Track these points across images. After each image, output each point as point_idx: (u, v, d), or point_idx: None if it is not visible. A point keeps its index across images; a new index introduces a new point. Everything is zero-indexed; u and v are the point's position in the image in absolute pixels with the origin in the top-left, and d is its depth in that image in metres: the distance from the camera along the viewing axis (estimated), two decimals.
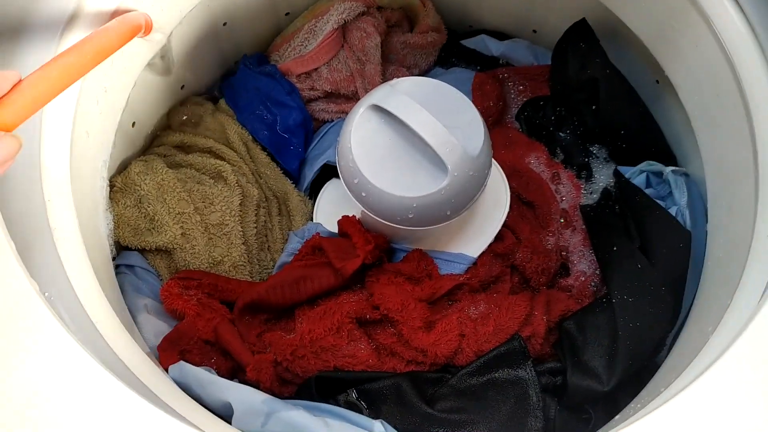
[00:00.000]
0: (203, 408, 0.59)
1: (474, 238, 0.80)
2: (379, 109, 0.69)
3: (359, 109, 0.69)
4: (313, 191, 0.94)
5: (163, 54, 0.82)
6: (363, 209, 0.72)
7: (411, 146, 0.68)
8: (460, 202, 0.69)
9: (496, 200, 0.80)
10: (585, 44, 0.87)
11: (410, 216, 0.68)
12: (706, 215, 0.79)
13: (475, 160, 0.67)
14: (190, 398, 0.58)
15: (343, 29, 0.93)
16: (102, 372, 0.47)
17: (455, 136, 0.65)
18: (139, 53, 0.77)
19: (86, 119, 0.68)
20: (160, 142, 0.92)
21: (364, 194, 0.69)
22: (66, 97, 0.63)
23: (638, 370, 0.71)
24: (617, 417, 0.66)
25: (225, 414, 0.64)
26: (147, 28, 0.68)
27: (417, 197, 0.67)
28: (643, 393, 0.67)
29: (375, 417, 0.67)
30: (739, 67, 0.67)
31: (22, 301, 0.47)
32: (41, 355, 0.46)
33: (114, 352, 0.54)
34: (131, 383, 0.49)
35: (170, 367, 0.66)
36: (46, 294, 0.50)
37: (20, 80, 0.45)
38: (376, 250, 0.77)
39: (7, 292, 0.47)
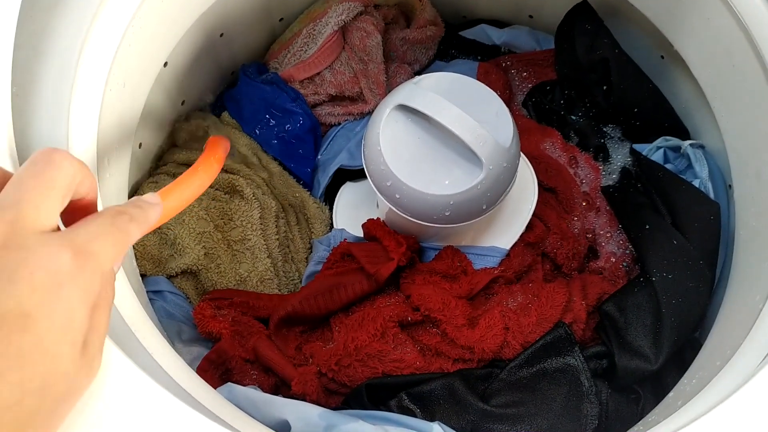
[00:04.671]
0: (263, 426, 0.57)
1: (504, 230, 0.79)
2: (405, 108, 0.68)
3: (385, 110, 0.68)
4: (327, 196, 0.92)
5: None
6: (393, 210, 0.71)
7: (441, 143, 0.68)
8: (496, 195, 0.68)
9: (523, 190, 0.80)
10: (590, 25, 0.87)
11: (447, 213, 0.67)
12: (725, 185, 0.80)
13: (507, 151, 0.66)
14: (251, 417, 0.57)
15: (343, 30, 0.92)
16: (170, 398, 0.45)
17: (486, 128, 0.65)
18: (146, 73, 0.75)
19: (107, 148, 0.66)
20: (167, 160, 0.89)
21: (398, 196, 0.68)
22: (88, 130, 0.61)
23: (682, 346, 0.71)
24: (671, 394, 0.66)
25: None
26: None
27: (454, 194, 0.66)
28: (695, 368, 0.67)
29: (430, 419, 0.66)
30: (756, 36, 0.68)
31: None
32: (110, 385, 0.45)
33: (172, 378, 0.53)
34: (197, 407, 0.48)
35: (218, 389, 0.65)
36: None
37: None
38: (408, 251, 0.76)
39: None
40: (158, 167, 0.89)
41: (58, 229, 0.38)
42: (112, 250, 0.39)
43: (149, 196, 0.47)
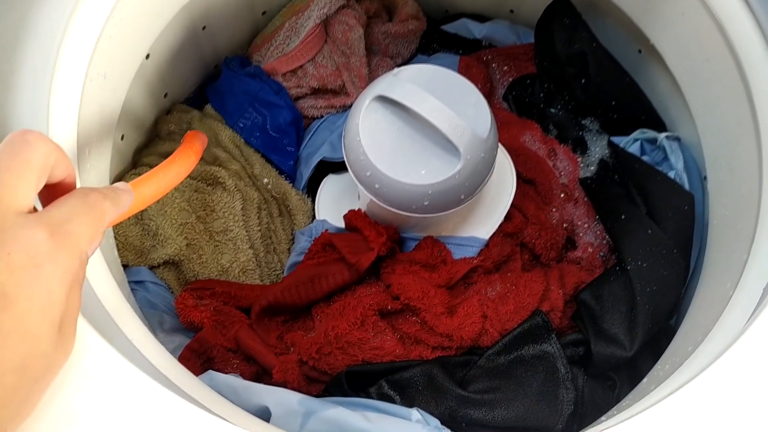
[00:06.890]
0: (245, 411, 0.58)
1: (483, 220, 0.80)
2: (384, 99, 0.69)
3: (364, 101, 0.69)
4: (310, 189, 0.93)
5: None
6: (372, 200, 0.72)
7: (420, 134, 0.69)
8: (473, 185, 0.69)
9: (502, 181, 0.81)
10: (569, 20, 0.88)
11: (425, 203, 0.68)
12: (700, 177, 0.81)
13: (484, 141, 0.67)
14: (232, 404, 0.57)
15: (325, 24, 0.93)
16: (152, 383, 0.46)
17: (463, 119, 0.66)
18: (128, 64, 0.75)
19: (87, 139, 0.66)
20: (150, 152, 0.90)
21: (377, 186, 0.69)
22: (68, 121, 0.61)
23: (656, 333, 0.73)
24: (645, 380, 0.68)
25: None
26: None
27: (432, 184, 0.67)
28: (668, 354, 0.68)
29: (409, 405, 0.67)
30: (729, 30, 0.69)
31: None
32: (93, 372, 0.45)
33: (153, 365, 0.53)
34: (178, 393, 0.49)
35: (199, 377, 0.66)
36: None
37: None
38: (389, 242, 0.77)
39: None
40: (141, 159, 0.89)
41: (35, 210, 0.39)
42: (88, 230, 0.39)
43: (119, 184, 0.48)
